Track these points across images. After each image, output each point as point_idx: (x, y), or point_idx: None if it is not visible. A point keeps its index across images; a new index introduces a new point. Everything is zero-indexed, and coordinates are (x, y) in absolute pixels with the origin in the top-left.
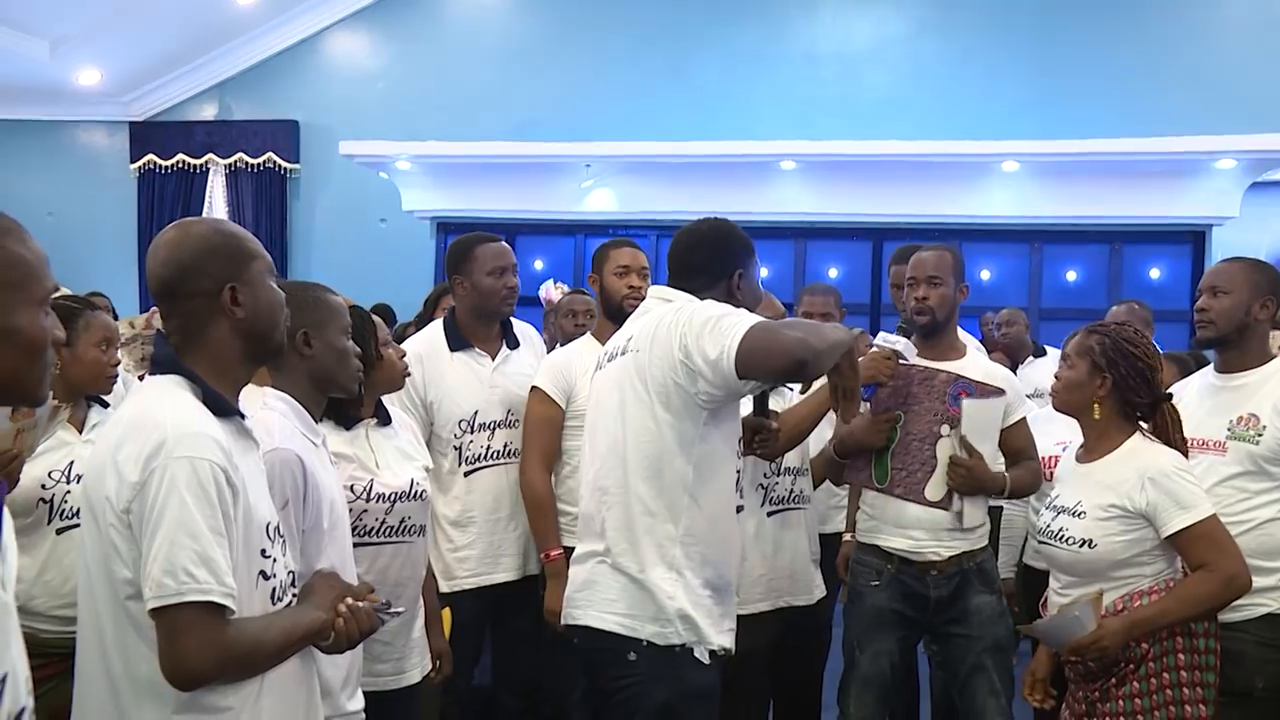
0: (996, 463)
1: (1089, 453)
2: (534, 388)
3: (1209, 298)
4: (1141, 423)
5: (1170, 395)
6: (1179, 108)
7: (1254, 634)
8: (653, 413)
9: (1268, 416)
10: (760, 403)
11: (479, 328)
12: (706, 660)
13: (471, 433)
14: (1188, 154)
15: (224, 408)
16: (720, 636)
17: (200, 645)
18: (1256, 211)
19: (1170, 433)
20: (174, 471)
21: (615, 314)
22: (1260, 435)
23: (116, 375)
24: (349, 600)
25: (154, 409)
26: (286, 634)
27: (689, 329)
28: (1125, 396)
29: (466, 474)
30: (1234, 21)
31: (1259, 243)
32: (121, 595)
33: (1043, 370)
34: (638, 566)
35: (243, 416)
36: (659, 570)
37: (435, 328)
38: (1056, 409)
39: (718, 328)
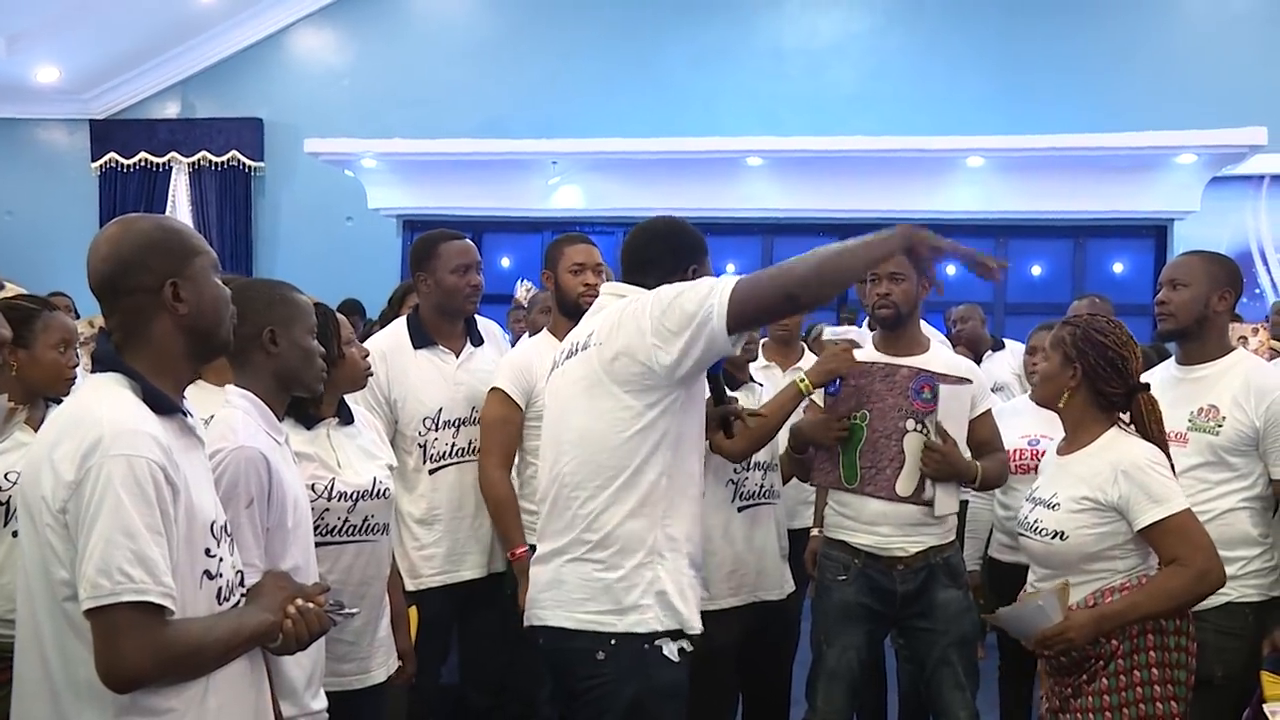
0: (966, 451)
1: (1068, 445)
2: (494, 389)
3: (1169, 291)
4: (1121, 414)
5: (1147, 385)
6: (1141, 103)
7: (1214, 623)
8: (622, 402)
9: (1227, 407)
10: (717, 391)
11: (443, 325)
12: (675, 658)
13: (436, 430)
14: (1149, 149)
15: (165, 405)
16: (696, 618)
17: (137, 646)
18: (1217, 205)
19: (1147, 423)
20: (110, 469)
21: (571, 311)
22: (1220, 426)
23: (75, 376)
24: (299, 601)
25: (92, 407)
26: (232, 635)
27: (656, 308)
28: (1097, 386)
29: (431, 472)
30: (1194, 18)
31: (1219, 236)
32: (59, 596)
33: (1000, 363)
34: (610, 558)
35: (186, 414)
36: (636, 558)
37: (399, 325)
38: (1037, 403)
39: (694, 292)
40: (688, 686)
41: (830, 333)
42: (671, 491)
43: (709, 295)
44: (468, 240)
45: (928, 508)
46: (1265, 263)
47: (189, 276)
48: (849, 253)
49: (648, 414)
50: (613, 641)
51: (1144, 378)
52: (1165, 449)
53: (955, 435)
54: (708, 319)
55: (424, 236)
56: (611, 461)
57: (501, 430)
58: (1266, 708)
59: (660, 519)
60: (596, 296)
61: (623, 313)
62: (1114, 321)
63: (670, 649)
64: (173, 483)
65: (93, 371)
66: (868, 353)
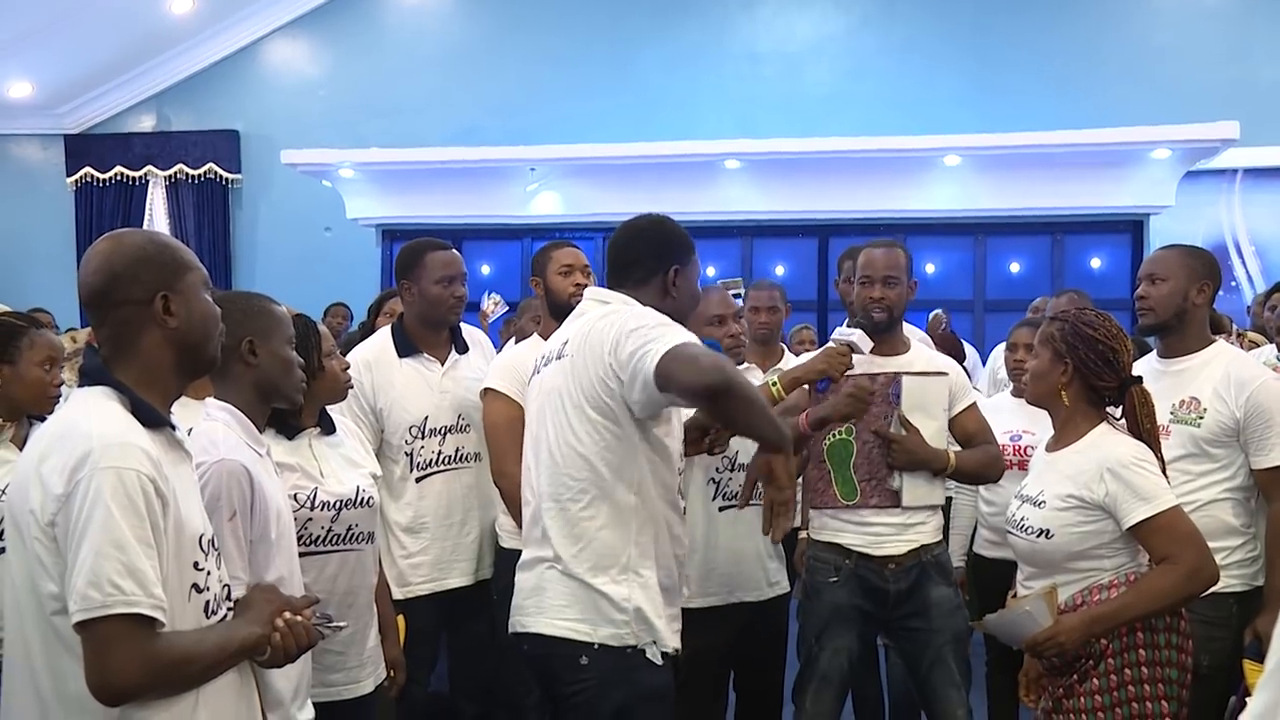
0: (940, 442)
1: (1056, 442)
2: (489, 390)
3: (1148, 285)
4: (1112, 409)
5: (1139, 378)
6: (1115, 99)
7: (1199, 613)
8: (589, 418)
9: (1208, 399)
10: None
11: (427, 334)
12: (659, 661)
13: (422, 438)
14: (1124, 144)
15: (154, 418)
16: (673, 638)
17: (127, 659)
18: (1191, 200)
19: (1139, 416)
20: (99, 482)
21: (562, 313)
22: (1201, 418)
23: (60, 394)
24: (287, 614)
25: (80, 420)
26: (220, 648)
27: (613, 338)
28: (1089, 381)
29: (418, 480)
30: (1166, 13)
31: (1194, 230)
32: (48, 610)
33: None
34: (588, 571)
35: (174, 428)
36: (611, 573)
37: (383, 334)
38: (1030, 402)
39: (643, 333)
40: (673, 689)
41: (838, 333)
42: (645, 507)
43: (650, 343)
44: (454, 251)
45: (925, 508)
46: (1240, 256)
47: (180, 291)
48: (770, 413)
49: (615, 429)
50: (595, 647)
51: None
52: (1156, 442)
53: (922, 426)
54: (642, 364)
55: (410, 245)
56: (581, 475)
57: (511, 430)
58: (1249, 699)
59: (635, 535)
60: None
61: (594, 326)
62: (1102, 314)
63: (654, 652)
64: (162, 495)
65: (80, 385)
66: (856, 360)
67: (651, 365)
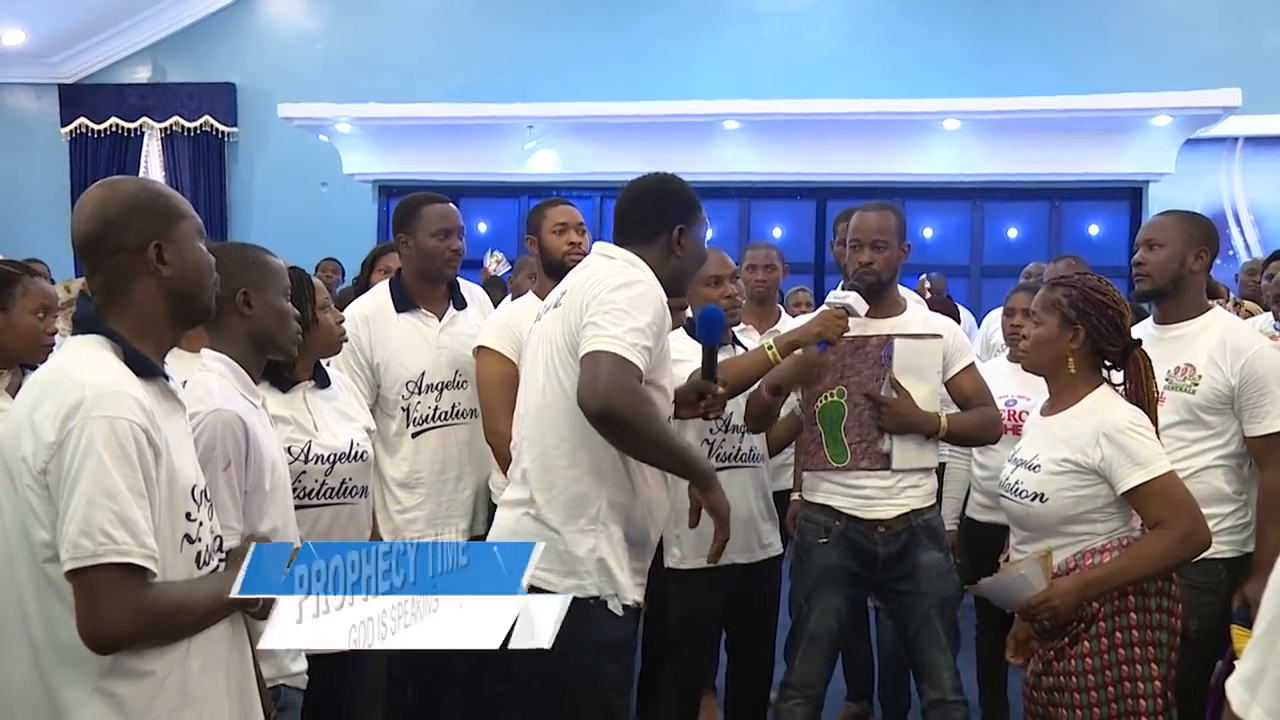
0: (933, 405)
1: (1052, 406)
2: (482, 347)
3: (1145, 251)
4: (1112, 374)
5: (1140, 341)
6: (1116, 66)
7: (1187, 578)
8: (573, 367)
9: (1203, 366)
10: (708, 364)
11: (424, 288)
12: (620, 613)
13: (419, 394)
14: (1124, 111)
15: (147, 368)
16: (635, 591)
17: (119, 608)
18: (1191, 167)
19: (1143, 380)
20: (92, 431)
21: (556, 271)
22: (1196, 385)
23: (53, 343)
24: None
25: (72, 368)
26: (212, 599)
27: (599, 292)
28: (1098, 347)
29: (414, 435)
30: None
31: (1193, 198)
32: (40, 558)
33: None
34: (558, 519)
35: (167, 378)
36: (580, 523)
37: (381, 289)
38: (1027, 369)
39: (604, 306)
40: (634, 641)
41: (833, 296)
42: (622, 460)
43: (595, 328)
44: (450, 205)
45: (917, 471)
46: (1239, 224)
47: (173, 240)
48: (677, 454)
49: None
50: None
51: None
52: (1155, 406)
53: (914, 389)
54: (583, 345)
55: (407, 199)
56: (563, 423)
57: (505, 388)
58: (1237, 664)
59: (608, 487)
60: (580, 255)
61: (589, 280)
62: (1103, 279)
63: (615, 604)
64: (155, 445)
65: (73, 333)
66: (850, 323)
67: (582, 352)
